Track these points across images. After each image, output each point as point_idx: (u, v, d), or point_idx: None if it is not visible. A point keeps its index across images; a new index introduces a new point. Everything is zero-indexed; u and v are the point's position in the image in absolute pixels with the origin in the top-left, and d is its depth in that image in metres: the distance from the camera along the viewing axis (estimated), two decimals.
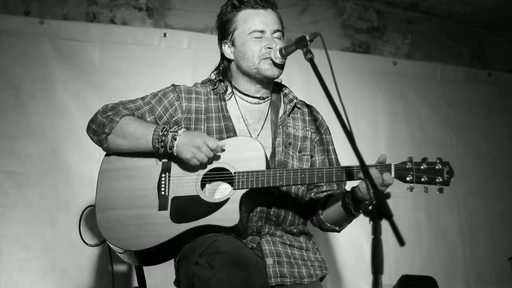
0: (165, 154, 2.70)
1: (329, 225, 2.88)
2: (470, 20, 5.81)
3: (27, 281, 3.99)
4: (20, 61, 4.27)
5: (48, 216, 4.10)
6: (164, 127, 2.65)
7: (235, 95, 2.96)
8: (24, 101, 4.22)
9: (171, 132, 2.63)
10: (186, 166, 2.71)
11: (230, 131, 2.83)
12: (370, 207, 2.44)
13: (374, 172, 2.48)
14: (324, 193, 2.93)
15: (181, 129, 2.66)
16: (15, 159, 4.13)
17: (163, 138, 2.62)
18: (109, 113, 2.74)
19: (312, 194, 2.95)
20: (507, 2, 5.41)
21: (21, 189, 4.10)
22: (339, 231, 2.95)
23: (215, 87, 2.94)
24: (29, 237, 4.04)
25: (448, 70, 5.61)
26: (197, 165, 2.63)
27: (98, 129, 2.73)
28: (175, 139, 2.61)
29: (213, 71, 3.04)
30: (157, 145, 2.64)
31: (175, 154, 2.64)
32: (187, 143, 2.60)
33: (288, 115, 2.97)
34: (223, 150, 2.66)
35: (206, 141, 2.59)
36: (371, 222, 2.66)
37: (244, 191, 2.61)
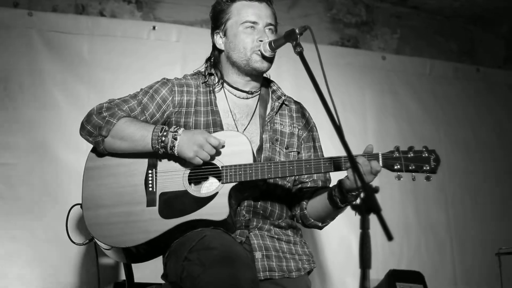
0: (165, 155, 2.66)
1: (312, 220, 2.88)
2: (459, 15, 5.83)
3: (14, 272, 3.97)
4: (8, 53, 4.24)
5: (36, 208, 4.08)
6: (162, 127, 2.62)
7: (225, 89, 2.94)
8: (12, 93, 4.20)
9: (170, 132, 2.60)
10: (173, 161, 2.70)
11: (217, 126, 2.82)
12: (357, 200, 2.45)
13: (362, 161, 2.50)
14: (309, 189, 2.93)
15: (180, 128, 2.62)
16: (3, 150, 4.11)
17: (163, 138, 2.59)
18: (105, 114, 2.70)
19: (297, 189, 2.95)
20: None
21: (9, 181, 4.08)
22: (321, 228, 2.95)
23: (206, 80, 2.93)
24: (17, 229, 4.03)
25: (437, 66, 5.62)
26: (200, 163, 2.60)
27: (94, 130, 2.69)
28: (175, 139, 2.58)
29: (204, 62, 3.03)
30: (157, 146, 2.60)
31: (176, 154, 2.61)
32: (189, 142, 2.57)
33: (276, 113, 2.96)
34: (223, 147, 2.64)
35: (207, 138, 2.57)
36: (357, 214, 2.68)
37: (232, 184, 2.61)
